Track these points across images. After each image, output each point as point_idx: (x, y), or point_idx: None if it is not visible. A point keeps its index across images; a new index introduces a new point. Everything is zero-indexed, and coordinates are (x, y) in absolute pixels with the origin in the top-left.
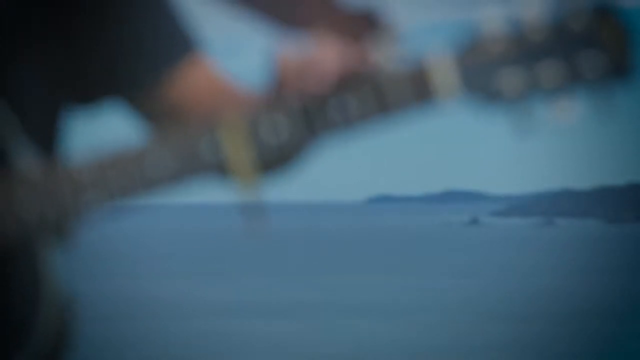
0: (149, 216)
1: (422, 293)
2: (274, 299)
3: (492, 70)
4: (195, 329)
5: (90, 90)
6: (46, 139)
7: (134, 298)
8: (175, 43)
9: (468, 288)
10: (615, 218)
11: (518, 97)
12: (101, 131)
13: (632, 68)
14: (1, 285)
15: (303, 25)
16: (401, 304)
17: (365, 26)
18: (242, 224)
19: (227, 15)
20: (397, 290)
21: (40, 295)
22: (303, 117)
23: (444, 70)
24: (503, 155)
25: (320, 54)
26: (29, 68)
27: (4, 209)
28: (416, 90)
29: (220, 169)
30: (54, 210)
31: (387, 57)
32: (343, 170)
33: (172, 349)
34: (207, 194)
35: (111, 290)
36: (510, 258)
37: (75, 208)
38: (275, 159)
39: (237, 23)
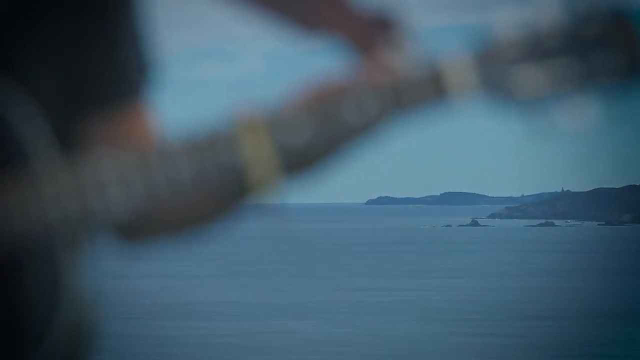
0: None
1: (423, 294)
2: (277, 300)
3: (507, 71)
4: (214, 330)
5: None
6: (70, 136)
7: (157, 299)
8: (122, 85)
9: (468, 289)
10: (614, 220)
11: (533, 98)
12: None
13: None
14: (22, 282)
15: (319, 29)
16: (402, 305)
17: (381, 30)
18: (255, 225)
19: (239, 18)
20: (399, 291)
21: (61, 293)
22: (322, 118)
23: (460, 71)
24: (503, 157)
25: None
26: (46, 67)
27: (28, 206)
28: (433, 90)
29: (240, 169)
30: (78, 208)
31: (403, 60)
32: (342, 172)
33: (195, 349)
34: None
35: (135, 291)
36: (510, 259)
37: (98, 206)
38: (295, 161)
39: (238, 27)
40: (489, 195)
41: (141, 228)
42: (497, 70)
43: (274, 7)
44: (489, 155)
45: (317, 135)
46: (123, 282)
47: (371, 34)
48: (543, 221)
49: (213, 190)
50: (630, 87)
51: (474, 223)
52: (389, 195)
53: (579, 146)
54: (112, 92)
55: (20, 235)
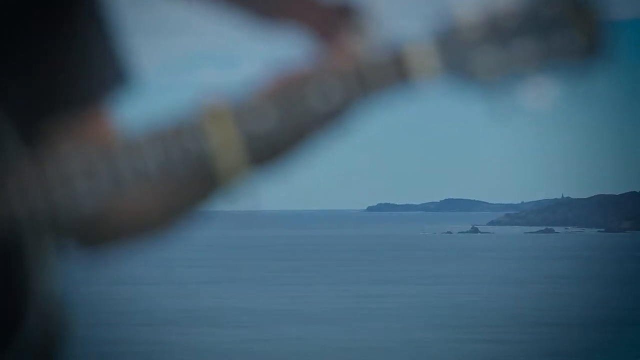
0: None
1: (423, 300)
2: (283, 307)
3: (468, 53)
4: (224, 337)
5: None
6: (35, 130)
7: (161, 305)
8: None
9: (469, 296)
10: (614, 227)
11: (494, 77)
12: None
13: (603, 50)
14: None
15: (280, 17)
16: (404, 312)
17: (343, 16)
18: (251, 232)
19: (203, 11)
20: (402, 297)
21: (29, 292)
22: (288, 105)
23: (422, 55)
24: (503, 163)
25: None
26: (10, 66)
27: None
28: (395, 74)
29: (207, 158)
30: (44, 204)
31: (366, 45)
32: (343, 179)
33: (204, 356)
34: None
35: (138, 297)
36: (510, 266)
37: (66, 200)
38: (262, 150)
39: (235, 33)
40: (489, 202)
41: (110, 229)
42: (459, 52)
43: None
44: (489, 162)
45: (284, 123)
46: (121, 288)
47: (333, 20)
48: (543, 228)
49: (181, 182)
50: (590, 67)
51: (474, 230)
52: (388, 202)
53: (578, 152)
54: (79, 92)
55: None
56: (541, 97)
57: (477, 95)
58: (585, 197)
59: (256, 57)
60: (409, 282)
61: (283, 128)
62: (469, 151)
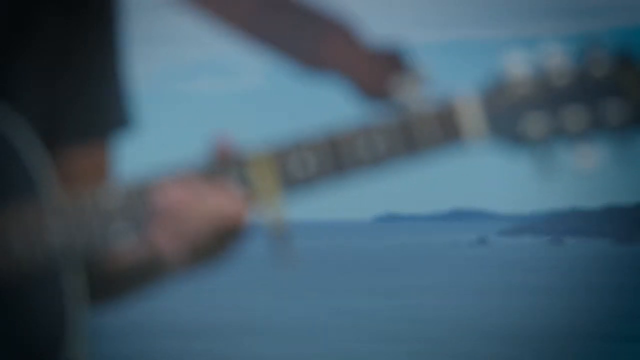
0: None
1: (430, 312)
2: (283, 320)
3: (517, 113)
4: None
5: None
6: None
7: (159, 318)
8: (94, 119)
9: (476, 308)
10: (625, 237)
11: (541, 140)
12: (130, 159)
13: None
14: (25, 314)
15: (327, 65)
16: (409, 324)
17: (390, 66)
18: (268, 251)
19: (253, 55)
20: (406, 310)
21: (64, 324)
22: (331, 155)
23: (470, 112)
24: (511, 173)
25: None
26: (46, 100)
27: (32, 237)
28: (443, 130)
29: (249, 201)
30: (82, 239)
31: (412, 97)
32: (350, 189)
33: None
34: None
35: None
36: (518, 278)
37: (103, 237)
38: (303, 192)
39: (235, 43)
40: (498, 212)
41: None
42: (506, 112)
43: (279, 43)
44: (497, 172)
45: (325, 172)
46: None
47: (380, 72)
48: (553, 238)
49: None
50: (637, 131)
51: (482, 240)
52: (395, 212)
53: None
54: (80, 126)
55: (23, 263)
56: (588, 159)
57: (523, 155)
58: (596, 208)
59: (260, 67)
60: (413, 294)
61: (324, 175)
62: (477, 160)
